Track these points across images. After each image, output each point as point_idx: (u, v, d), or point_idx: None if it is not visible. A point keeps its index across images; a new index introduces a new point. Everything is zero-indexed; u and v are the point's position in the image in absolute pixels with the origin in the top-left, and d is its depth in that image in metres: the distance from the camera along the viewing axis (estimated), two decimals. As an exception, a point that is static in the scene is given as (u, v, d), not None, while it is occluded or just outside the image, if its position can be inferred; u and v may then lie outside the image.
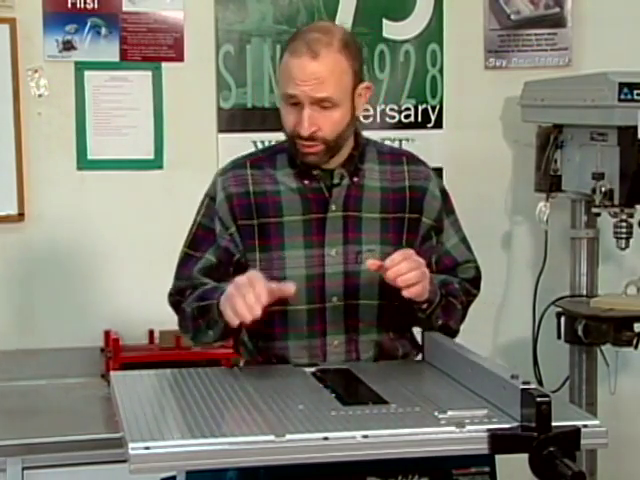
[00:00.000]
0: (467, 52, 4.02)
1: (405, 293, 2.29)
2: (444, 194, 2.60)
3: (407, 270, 2.27)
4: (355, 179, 2.50)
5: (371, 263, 2.32)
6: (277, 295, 2.29)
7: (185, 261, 2.53)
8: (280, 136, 2.56)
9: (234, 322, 2.25)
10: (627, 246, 3.63)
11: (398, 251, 2.31)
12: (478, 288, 2.63)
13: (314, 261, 2.46)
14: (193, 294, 2.46)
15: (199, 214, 2.55)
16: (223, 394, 2.20)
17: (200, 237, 2.53)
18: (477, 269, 2.63)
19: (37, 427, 3.25)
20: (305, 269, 2.46)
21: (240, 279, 2.26)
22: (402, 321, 2.53)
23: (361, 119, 2.55)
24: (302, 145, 2.42)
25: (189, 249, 2.54)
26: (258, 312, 2.22)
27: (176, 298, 2.52)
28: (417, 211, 2.53)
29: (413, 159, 2.61)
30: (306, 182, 2.49)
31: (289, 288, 2.30)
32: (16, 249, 3.73)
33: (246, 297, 2.22)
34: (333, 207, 2.48)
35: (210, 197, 2.54)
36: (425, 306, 2.41)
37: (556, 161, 3.82)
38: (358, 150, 2.51)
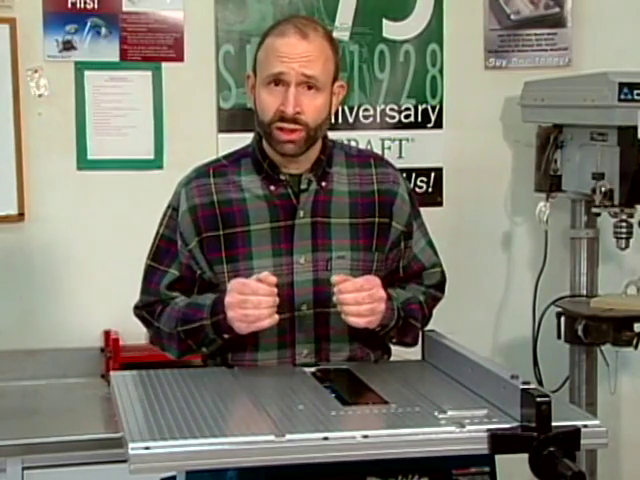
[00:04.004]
0: (467, 52, 4.02)
1: (350, 320, 2.30)
2: (412, 197, 2.56)
3: (353, 302, 2.28)
4: (323, 184, 2.45)
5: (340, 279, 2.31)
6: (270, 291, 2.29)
7: (150, 275, 2.49)
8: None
9: (249, 330, 2.29)
10: (627, 246, 3.63)
11: (356, 280, 2.31)
12: (443, 291, 2.61)
13: (283, 270, 2.40)
14: (165, 311, 2.44)
15: (161, 225, 2.50)
16: (223, 394, 2.20)
17: (163, 249, 2.48)
18: (442, 273, 2.60)
19: (37, 427, 3.26)
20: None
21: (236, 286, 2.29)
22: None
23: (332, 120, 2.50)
24: (282, 132, 2.35)
25: (153, 262, 2.49)
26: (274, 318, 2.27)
27: (144, 311, 2.50)
28: (387, 216, 2.48)
29: (381, 161, 2.57)
30: (272, 188, 2.43)
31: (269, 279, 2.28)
32: (16, 249, 3.73)
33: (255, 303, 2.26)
34: (301, 213, 2.42)
35: (173, 208, 2.48)
36: (378, 329, 2.39)
37: (556, 161, 3.82)
38: (326, 153, 2.46)
